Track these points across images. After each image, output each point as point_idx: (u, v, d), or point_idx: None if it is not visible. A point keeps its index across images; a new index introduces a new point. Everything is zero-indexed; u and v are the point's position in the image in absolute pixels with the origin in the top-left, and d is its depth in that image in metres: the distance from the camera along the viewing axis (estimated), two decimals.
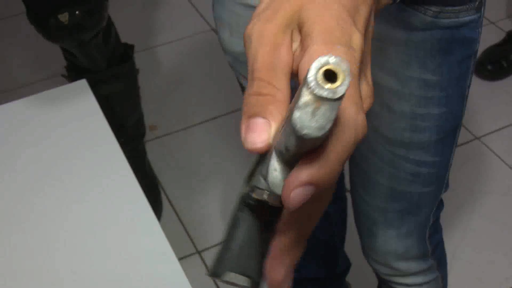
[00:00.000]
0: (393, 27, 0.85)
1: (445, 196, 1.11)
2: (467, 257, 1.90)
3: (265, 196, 0.38)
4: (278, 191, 0.38)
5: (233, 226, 0.41)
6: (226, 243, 0.41)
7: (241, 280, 0.40)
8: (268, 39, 0.41)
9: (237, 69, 1.06)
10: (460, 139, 2.19)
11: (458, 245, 1.92)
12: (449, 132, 0.99)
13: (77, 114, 1.10)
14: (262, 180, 0.38)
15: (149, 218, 0.95)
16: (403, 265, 1.20)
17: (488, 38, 2.49)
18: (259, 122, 0.38)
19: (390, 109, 0.94)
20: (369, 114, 0.90)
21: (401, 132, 0.96)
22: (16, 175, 1.01)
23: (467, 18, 0.84)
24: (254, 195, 0.39)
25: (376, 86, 0.92)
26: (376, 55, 0.90)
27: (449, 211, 1.99)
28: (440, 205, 1.17)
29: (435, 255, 1.24)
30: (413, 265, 1.21)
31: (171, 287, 0.87)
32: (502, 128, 2.26)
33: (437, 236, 1.22)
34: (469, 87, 0.95)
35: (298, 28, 0.41)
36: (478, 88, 2.38)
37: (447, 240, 1.86)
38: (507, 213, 2.01)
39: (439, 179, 1.07)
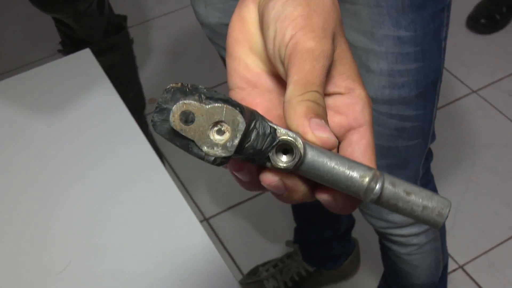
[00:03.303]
0: None
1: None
2: (470, 209, 1.93)
3: None
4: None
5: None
6: None
7: None
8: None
9: (216, 42, 1.06)
10: (457, 94, 2.22)
11: (461, 199, 1.95)
12: (429, 86, 1.00)
13: (84, 83, 1.09)
14: None
15: (167, 182, 0.95)
16: (397, 217, 1.22)
17: None
18: None
19: (368, 68, 0.96)
20: None
21: (381, 90, 0.98)
22: (28, 145, 1.01)
23: None
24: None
25: (353, 48, 0.94)
26: (350, 17, 0.92)
27: (450, 166, 2.01)
28: (429, 156, 1.18)
29: None
30: None
31: (195, 246, 0.87)
32: (498, 80, 2.26)
33: (429, 186, 1.23)
34: (445, 39, 0.97)
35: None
36: (472, 42, 2.39)
37: (450, 194, 1.88)
38: (508, 164, 2.03)
39: (424, 132, 1.08)
